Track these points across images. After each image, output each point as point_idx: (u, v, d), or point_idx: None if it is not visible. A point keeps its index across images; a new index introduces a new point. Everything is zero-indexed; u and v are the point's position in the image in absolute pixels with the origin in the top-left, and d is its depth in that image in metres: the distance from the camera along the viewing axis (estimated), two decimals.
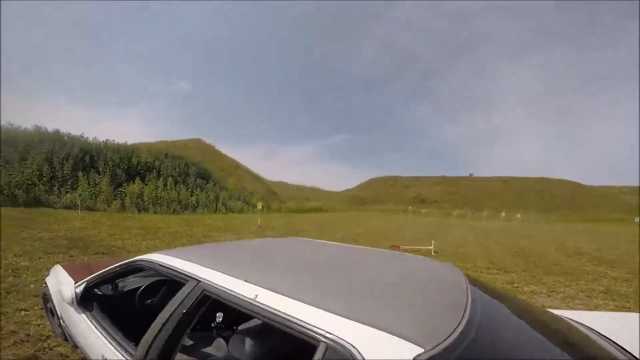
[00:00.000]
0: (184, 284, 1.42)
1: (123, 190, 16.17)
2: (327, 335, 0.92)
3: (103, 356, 1.57)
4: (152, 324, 1.39)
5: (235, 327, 2.19)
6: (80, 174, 15.41)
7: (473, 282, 1.44)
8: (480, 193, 43.93)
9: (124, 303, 2.19)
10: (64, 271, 2.41)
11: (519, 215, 30.65)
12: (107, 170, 16.64)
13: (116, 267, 1.87)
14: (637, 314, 1.86)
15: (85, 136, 18.39)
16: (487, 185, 45.68)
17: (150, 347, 1.34)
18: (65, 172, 14.98)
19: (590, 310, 4.15)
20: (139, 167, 18.71)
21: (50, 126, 17.86)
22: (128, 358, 1.44)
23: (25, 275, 4.22)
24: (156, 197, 17.13)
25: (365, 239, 11.26)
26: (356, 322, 0.93)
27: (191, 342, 2.10)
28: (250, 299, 1.14)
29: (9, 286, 3.76)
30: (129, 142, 20.99)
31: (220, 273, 1.35)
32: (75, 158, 15.94)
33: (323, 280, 1.34)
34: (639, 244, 11.45)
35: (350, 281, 1.32)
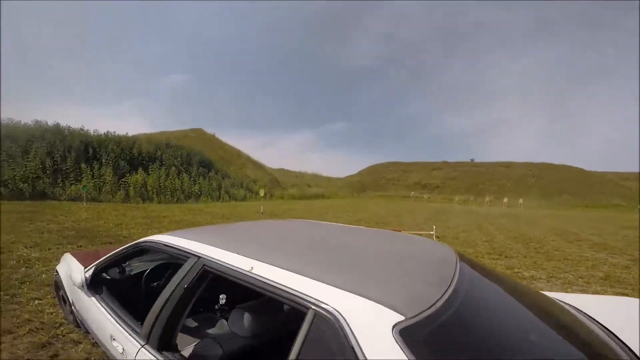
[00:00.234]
0: (186, 262, 1.50)
1: (126, 180, 16.29)
2: (315, 302, 0.98)
3: (111, 335, 1.66)
4: (156, 301, 1.47)
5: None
6: (83, 165, 15.51)
7: (465, 260, 1.50)
8: (482, 178, 43.89)
9: (131, 285, 2.28)
10: (73, 258, 2.50)
11: (521, 201, 30.74)
12: (110, 162, 16.72)
13: (123, 249, 1.96)
14: (632, 298, 1.93)
15: (85, 129, 18.39)
16: (489, 171, 45.57)
17: (154, 322, 1.41)
18: (68, 164, 15.09)
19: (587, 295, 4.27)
20: (141, 158, 18.77)
21: (50, 121, 17.87)
22: (134, 335, 1.52)
23: (37, 266, 4.34)
24: (159, 186, 17.26)
25: (367, 225, 11.36)
26: (343, 291, 1.00)
27: (195, 324, 2.22)
28: (246, 271, 1.21)
29: (22, 277, 3.90)
30: (130, 134, 21.02)
31: (219, 249, 1.42)
32: (77, 151, 16.01)
33: (315, 254, 1.41)
34: None
35: (341, 255, 1.40)
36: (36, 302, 3.22)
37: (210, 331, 2.11)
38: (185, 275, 1.44)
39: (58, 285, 2.67)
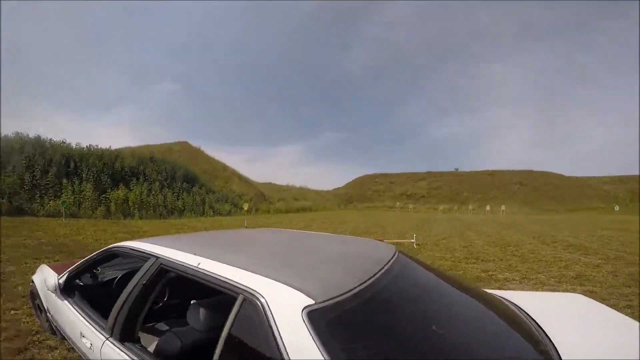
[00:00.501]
0: (146, 262, 1.66)
1: (108, 196, 15.97)
2: (245, 288, 1.16)
3: (81, 333, 1.78)
4: (119, 297, 1.62)
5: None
6: (64, 181, 15.17)
7: (404, 259, 1.67)
8: (466, 187, 44.75)
9: (102, 290, 2.38)
10: (49, 268, 2.58)
11: (503, 207, 31.46)
12: (91, 177, 16.39)
13: (95, 254, 2.09)
14: (577, 294, 2.04)
15: (67, 142, 18.06)
16: (473, 179, 46.54)
17: (117, 316, 1.57)
18: (48, 179, 14.73)
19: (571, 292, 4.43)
20: (124, 172, 18.47)
21: (32, 132, 17.50)
22: (100, 330, 1.65)
23: (12, 279, 4.33)
24: (142, 202, 16.97)
25: (351, 235, 11.43)
26: (268, 279, 1.16)
27: (160, 322, 2.39)
28: (195, 266, 1.38)
29: None
30: (113, 147, 20.74)
31: (174, 250, 1.59)
32: (58, 164, 15.67)
33: (256, 251, 1.63)
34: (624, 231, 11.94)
35: (279, 252, 1.62)
36: (12, 312, 3.25)
37: (167, 326, 2.30)
38: (145, 273, 1.61)
39: (34, 295, 2.73)
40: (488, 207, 32.95)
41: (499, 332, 1.34)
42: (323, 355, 0.90)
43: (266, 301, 1.07)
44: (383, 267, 1.40)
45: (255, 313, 1.07)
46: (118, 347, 1.51)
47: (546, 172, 46.42)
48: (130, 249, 1.84)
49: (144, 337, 2.01)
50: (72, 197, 14.60)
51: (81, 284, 2.31)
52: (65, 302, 2.05)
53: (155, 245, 1.71)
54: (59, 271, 2.37)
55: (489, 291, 1.95)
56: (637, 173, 39.95)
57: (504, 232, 12.45)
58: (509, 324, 1.43)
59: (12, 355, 2.42)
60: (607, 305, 3.78)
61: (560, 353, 1.19)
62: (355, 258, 1.55)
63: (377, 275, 1.30)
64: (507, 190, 41.99)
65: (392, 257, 1.57)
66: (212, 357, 1.12)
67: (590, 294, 4.29)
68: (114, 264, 2.67)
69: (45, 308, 2.43)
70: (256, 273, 1.21)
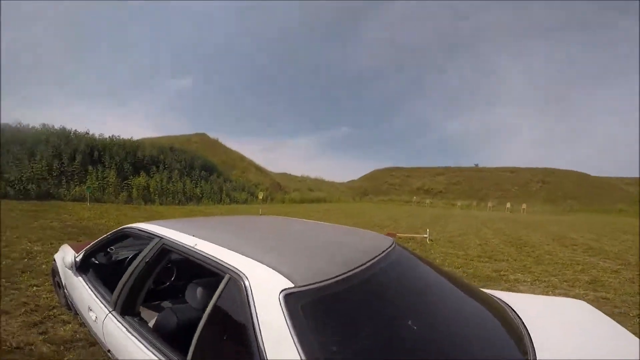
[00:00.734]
0: (150, 242, 1.79)
1: (129, 183, 16.60)
2: (232, 268, 1.24)
3: (89, 307, 1.93)
4: (124, 274, 1.75)
5: None
6: (88, 167, 15.87)
7: (402, 252, 1.70)
8: (486, 183, 43.68)
9: (114, 268, 2.52)
10: (69, 247, 2.74)
11: (524, 206, 30.57)
12: (114, 165, 17.05)
13: (109, 234, 2.24)
14: (580, 301, 1.96)
15: (91, 132, 18.90)
16: (493, 176, 45.35)
17: (121, 291, 1.70)
18: (74, 166, 15.46)
19: (585, 296, 4.32)
20: (145, 161, 19.11)
21: (57, 124, 18.36)
22: (105, 304, 1.79)
23: (38, 258, 4.63)
24: (162, 189, 17.54)
25: (364, 228, 11.44)
26: (255, 261, 1.22)
27: (162, 300, 2.55)
28: (192, 247, 1.49)
29: (24, 267, 4.16)
30: (135, 138, 21.43)
31: (176, 232, 1.70)
32: (82, 154, 16.40)
33: (251, 236, 1.70)
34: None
35: (272, 238, 1.68)
36: (34, 288, 3.47)
37: (172, 304, 2.43)
38: (148, 252, 1.74)
39: (54, 272, 2.92)
40: (508, 205, 32.12)
41: (479, 331, 1.36)
42: (293, 338, 0.95)
43: (249, 281, 1.15)
44: (374, 259, 1.44)
45: (238, 292, 1.15)
46: (119, 320, 1.64)
47: (569, 170, 44.65)
48: (138, 229, 1.98)
49: (148, 314, 2.14)
50: (97, 183, 15.26)
51: (96, 262, 2.47)
52: (80, 278, 2.21)
53: (159, 227, 1.83)
54: (78, 250, 2.52)
55: (488, 291, 1.95)
56: None
57: (522, 232, 12.16)
58: (493, 323, 1.45)
59: (27, 328, 2.61)
60: (618, 313, 3.68)
61: (537, 357, 1.19)
62: (347, 247, 1.58)
63: (364, 266, 1.34)
64: (529, 188, 40.75)
65: (386, 249, 1.60)
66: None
67: (603, 301, 4.17)
68: (128, 245, 2.81)
69: (64, 284, 2.61)
70: (244, 255, 1.29)
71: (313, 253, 1.45)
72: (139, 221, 2.12)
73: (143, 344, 1.45)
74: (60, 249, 3.02)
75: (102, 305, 1.82)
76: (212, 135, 32.81)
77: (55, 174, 14.66)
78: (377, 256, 1.47)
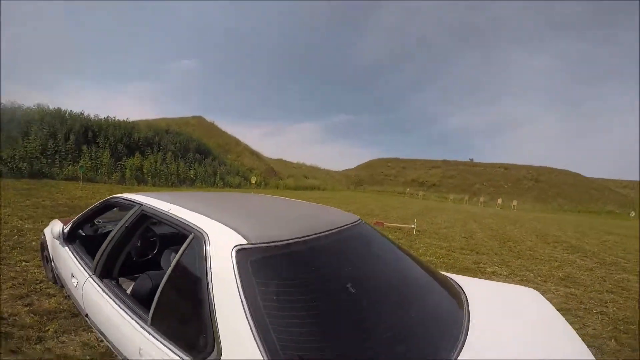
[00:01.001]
0: (131, 209, 1.93)
1: (123, 163, 16.58)
2: (196, 227, 1.37)
3: (72, 273, 2.05)
4: (106, 239, 1.87)
5: None
6: (83, 147, 15.82)
7: (365, 228, 1.85)
8: (479, 178, 44.10)
9: (99, 238, 2.60)
10: (59, 221, 2.83)
11: (514, 203, 30.98)
12: (108, 145, 17.01)
13: (95, 204, 2.36)
14: (531, 289, 2.04)
15: (86, 113, 18.73)
16: (487, 171, 45.73)
17: (101, 255, 1.82)
18: (67, 146, 15.42)
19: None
20: (140, 142, 19.02)
21: (52, 105, 18.24)
22: (87, 269, 1.91)
23: (28, 235, 4.71)
24: (155, 170, 17.56)
25: None
26: (218, 222, 1.35)
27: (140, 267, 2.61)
28: (166, 211, 1.62)
29: (14, 243, 4.25)
30: (132, 119, 21.25)
31: (155, 199, 1.83)
32: (77, 134, 16.32)
33: (222, 204, 1.84)
34: None
35: (240, 207, 1.83)
36: (23, 264, 3.58)
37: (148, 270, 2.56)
38: (128, 218, 1.86)
39: (43, 246, 3.02)
40: (500, 201, 32.52)
41: (418, 304, 1.47)
42: (238, 288, 1.08)
43: (208, 238, 1.28)
44: (330, 230, 1.57)
45: (199, 249, 1.27)
46: (97, 284, 1.75)
47: (564, 170, 45.13)
48: (123, 199, 2.11)
49: (128, 284, 2.25)
50: (90, 163, 15.25)
51: (83, 234, 2.57)
52: (66, 248, 2.32)
53: (141, 196, 1.96)
54: (66, 224, 2.61)
55: (450, 275, 2.07)
56: None
57: (508, 227, 12.43)
58: (434, 300, 1.58)
59: (13, 300, 2.73)
60: (583, 309, 3.86)
61: (467, 336, 1.29)
62: (308, 218, 1.71)
63: (318, 234, 1.47)
64: (521, 186, 41.21)
65: (346, 224, 1.73)
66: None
67: (570, 296, 4.37)
68: (115, 219, 2.88)
69: (51, 257, 2.71)
70: (209, 217, 1.41)
71: (273, 220, 1.60)
72: None
73: (118, 306, 1.55)
74: (50, 223, 3.10)
75: (83, 271, 1.93)
76: (209, 118, 32.62)
77: (49, 153, 14.61)
78: (334, 228, 1.61)
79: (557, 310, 1.81)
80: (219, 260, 1.19)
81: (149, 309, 1.39)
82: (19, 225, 5.23)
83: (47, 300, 2.77)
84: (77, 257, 2.13)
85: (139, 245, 2.52)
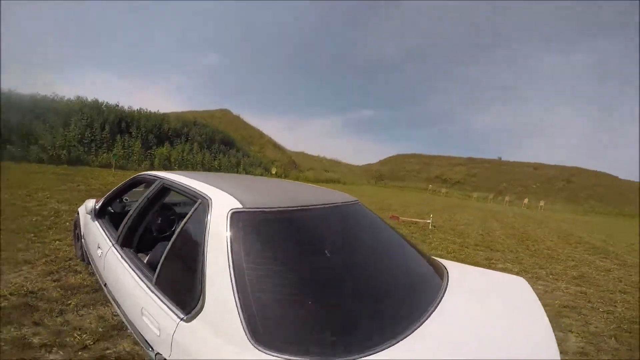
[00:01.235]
0: (154, 184, 2.10)
1: (153, 152, 17.50)
2: (202, 194, 1.54)
3: (98, 245, 2.25)
4: (130, 211, 2.08)
5: None
6: (117, 137, 16.85)
7: (360, 211, 1.98)
8: (506, 177, 42.68)
9: (126, 214, 2.88)
10: (92, 200, 3.06)
11: (542, 203, 29.84)
12: (139, 135, 18.01)
13: (126, 181, 2.59)
14: (520, 278, 2.02)
15: (120, 105, 19.85)
16: (515, 170, 44.16)
17: (124, 225, 2.02)
18: (103, 136, 16.47)
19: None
20: (169, 133, 19.97)
21: (90, 96, 19.37)
22: (111, 239, 2.11)
23: (64, 216, 5.15)
24: (182, 159, 18.39)
25: (371, 210, 11.64)
26: (221, 190, 1.52)
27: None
28: (182, 182, 1.80)
29: (50, 224, 4.67)
30: (161, 111, 22.21)
31: (174, 174, 2.00)
32: (112, 124, 17.41)
33: (231, 180, 1.99)
34: None
35: (246, 182, 2.00)
36: (57, 242, 3.92)
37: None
38: (151, 191, 2.04)
39: (76, 224, 3.30)
40: (526, 201, 31.42)
41: (391, 279, 1.55)
42: (227, 248, 1.21)
43: (211, 202, 1.44)
44: (324, 204, 1.73)
45: (203, 212, 1.43)
46: (118, 252, 1.92)
47: (598, 172, 42.81)
48: (148, 175, 2.32)
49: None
50: (122, 151, 16.21)
51: (112, 210, 2.81)
52: (96, 222, 2.51)
53: (163, 173, 2.15)
54: (99, 201, 2.86)
55: (440, 259, 2.10)
56: None
57: (531, 227, 12.13)
58: (411, 275, 1.68)
59: (44, 276, 2.99)
60: (590, 307, 3.82)
61: (434, 312, 1.33)
62: (303, 193, 1.86)
63: (310, 206, 1.62)
64: (551, 186, 39.54)
65: (342, 202, 1.89)
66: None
67: (580, 295, 4.30)
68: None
69: (82, 234, 2.94)
70: (214, 186, 1.59)
71: (270, 191, 1.78)
72: None
73: (132, 270, 1.70)
74: (84, 202, 3.37)
75: (108, 241, 2.11)
76: (235, 111, 33.42)
77: (85, 142, 15.65)
78: (328, 204, 1.76)
79: (543, 303, 1.70)
80: (216, 222, 1.32)
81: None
82: (56, 207, 5.71)
83: (73, 277, 3.03)
84: (104, 229, 2.31)
85: (159, 222, 2.76)
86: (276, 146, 31.61)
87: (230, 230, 1.26)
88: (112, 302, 1.93)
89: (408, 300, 1.42)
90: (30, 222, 4.61)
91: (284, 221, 1.45)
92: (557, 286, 4.64)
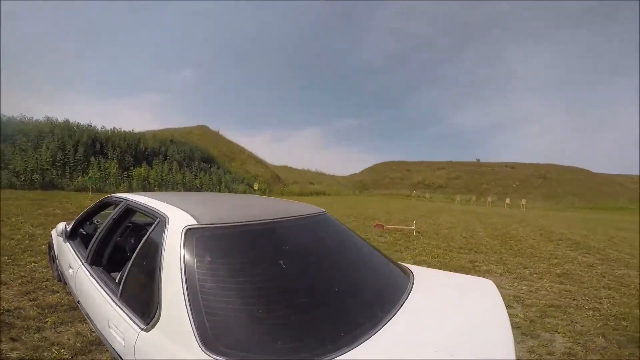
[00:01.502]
0: (118, 205, 2.18)
1: (131, 173, 16.98)
2: (161, 213, 1.61)
3: (69, 265, 2.30)
4: (96, 232, 2.11)
5: None
6: (91, 159, 16.30)
7: (325, 222, 2.00)
8: (486, 178, 43.69)
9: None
10: (63, 223, 3.09)
11: (523, 202, 30.63)
12: (115, 156, 17.46)
13: (94, 204, 2.66)
14: (487, 280, 2.03)
15: (93, 125, 19.36)
16: (494, 171, 45.31)
17: (93, 245, 2.07)
18: (76, 157, 15.90)
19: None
20: (146, 153, 19.48)
21: (61, 117, 18.90)
22: (81, 258, 2.15)
23: (39, 240, 5.06)
24: (162, 179, 17.91)
25: (356, 220, 11.57)
26: (180, 209, 1.58)
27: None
28: (143, 203, 1.88)
29: (25, 247, 4.59)
30: (137, 130, 21.81)
31: (138, 196, 2.08)
32: (85, 145, 16.86)
33: (194, 198, 2.04)
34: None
35: (206, 199, 2.08)
36: (32, 264, 3.89)
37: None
38: (115, 212, 2.13)
39: (50, 246, 3.31)
40: (508, 200, 32.18)
41: (348, 286, 1.56)
42: (181, 262, 1.27)
43: (168, 220, 1.50)
44: (290, 216, 1.78)
45: (161, 229, 1.49)
46: (87, 270, 1.99)
47: (572, 167, 44.45)
48: (114, 197, 2.38)
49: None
50: (98, 174, 15.66)
51: (83, 232, 2.82)
52: (67, 244, 2.58)
53: (128, 195, 2.22)
54: (70, 224, 2.89)
55: (409, 265, 2.15)
56: None
57: (513, 227, 12.33)
58: (373, 281, 1.70)
59: (21, 296, 3.00)
60: (575, 306, 3.81)
61: (395, 315, 1.36)
62: (265, 208, 1.89)
63: (273, 219, 1.68)
64: (529, 184, 40.69)
65: (307, 214, 1.92)
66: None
67: (565, 293, 4.31)
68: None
69: (56, 255, 2.96)
70: (173, 205, 1.64)
71: (229, 207, 1.81)
72: None
73: (101, 287, 1.75)
74: (57, 225, 3.38)
75: (78, 260, 2.18)
76: (214, 127, 33.08)
77: (58, 165, 15.09)
78: (291, 216, 1.81)
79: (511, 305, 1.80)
80: (172, 238, 1.38)
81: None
82: (30, 231, 5.59)
83: (50, 296, 3.04)
84: (75, 250, 2.38)
85: (132, 241, 2.77)
86: (258, 161, 31.37)
87: (185, 245, 1.33)
88: (87, 317, 1.99)
89: (370, 304, 1.46)
90: (3, 246, 4.54)
91: (238, 235, 1.50)
92: (542, 285, 4.66)
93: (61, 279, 3.01)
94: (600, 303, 3.99)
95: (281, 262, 1.44)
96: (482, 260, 6.02)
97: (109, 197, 2.51)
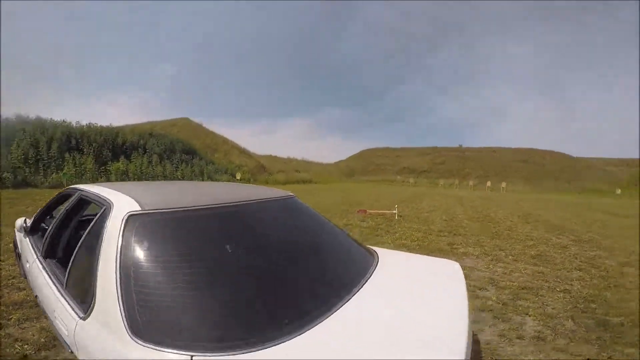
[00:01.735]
0: (74, 195, 2.12)
1: (108, 168, 16.50)
2: (109, 200, 1.54)
3: (26, 259, 2.26)
4: (51, 224, 2.05)
5: None
6: (66, 155, 15.75)
7: (292, 205, 1.98)
8: (469, 163, 44.47)
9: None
10: (22, 218, 2.97)
11: (504, 185, 31.44)
12: (92, 151, 16.95)
13: (54, 197, 2.56)
14: (453, 262, 2.06)
15: (67, 121, 18.71)
16: (476, 156, 46.12)
17: (47, 238, 2.01)
18: (50, 154, 15.35)
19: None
20: (124, 147, 18.95)
21: (36, 114, 18.22)
22: (37, 252, 2.14)
23: (7, 239, 4.91)
24: (141, 173, 17.49)
25: (340, 206, 11.57)
26: (127, 195, 1.51)
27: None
28: (93, 191, 1.82)
29: None
30: (120, 125, 21.18)
31: (92, 186, 2.01)
32: (59, 141, 16.28)
33: (146, 186, 2.00)
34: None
35: (160, 187, 2.02)
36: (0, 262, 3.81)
37: None
38: (70, 203, 2.08)
39: (15, 244, 3.18)
40: (489, 184, 32.94)
41: (312, 265, 1.57)
42: (117, 249, 1.23)
43: (112, 207, 1.46)
44: (251, 200, 1.75)
45: (105, 216, 1.45)
46: (40, 263, 1.95)
47: (550, 151, 45.69)
48: (70, 189, 2.31)
49: None
50: (74, 170, 15.16)
51: (44, 227, 2.69)
52: (27, 239, 2.51)
53: (84, 185, 2.15)
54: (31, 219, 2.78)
55: (376, 248, 2.14)
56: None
57: (493, 209, 12.60)
58: (335, 263, 1.71)
59: None
60: (546, 287, 3.87)
61: (355, 295, 1.38)
62: (225, 193, 1.84)
63: (229, 203, 1.63)
64: (510, 168, 41.66)
65: (274, 197, 1.90)
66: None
67: (538, 275, 4.38)
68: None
69: (20, 252, 2.85)
70: (121, 192, 1.58)
71: (181, 193, 1.76)
72: None
73: (51, 279, 1.72)
74: (16, 221, 3.24)
75: (33, 254, 2.13)
76: (196, 119, 32.38)
77: (31, 162, 14.52)
78: (254, 200, 1.78)
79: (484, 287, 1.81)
80: (113, 224, 1.35)
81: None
82: (1, 230, 5.38)
83: (16, 293, 3.02)
84: (32, 245, 2.34)
85: (82, 232, 2.69)
86: (242, 151, 30.97)
87: (124, 232, 1.29)
88: (43, 312, 1.96)
89: (327, 288, 1.44)
90: None
91: (185, 220, 1.45)
92: (516, 267, 4.74)
93: (27, 275, 2.94)
94: (571, 285, 4.05)
95: (227, 246, 1.40)
96: (460, 243, 6.13)
97: (66, 189, 2.46)
